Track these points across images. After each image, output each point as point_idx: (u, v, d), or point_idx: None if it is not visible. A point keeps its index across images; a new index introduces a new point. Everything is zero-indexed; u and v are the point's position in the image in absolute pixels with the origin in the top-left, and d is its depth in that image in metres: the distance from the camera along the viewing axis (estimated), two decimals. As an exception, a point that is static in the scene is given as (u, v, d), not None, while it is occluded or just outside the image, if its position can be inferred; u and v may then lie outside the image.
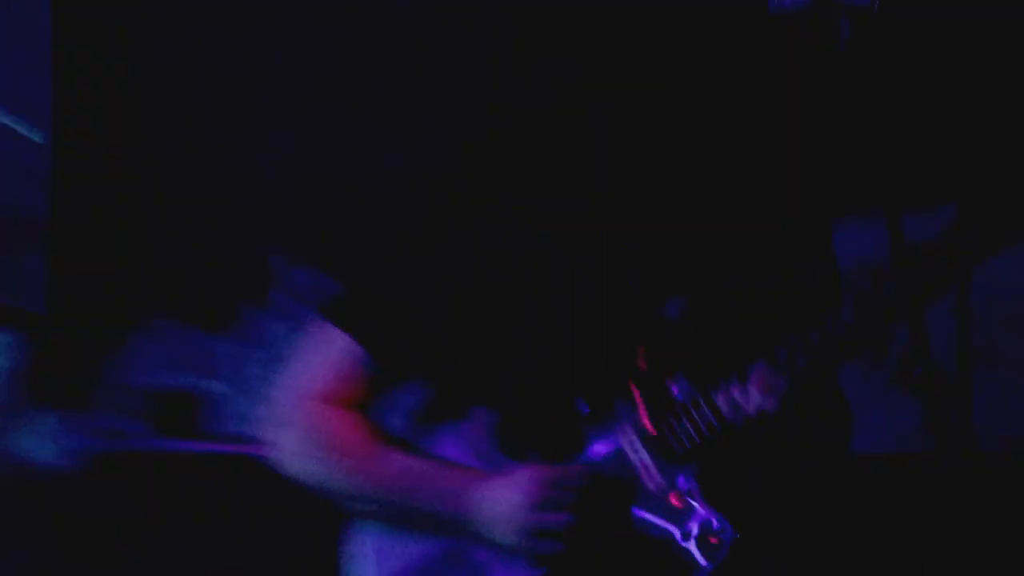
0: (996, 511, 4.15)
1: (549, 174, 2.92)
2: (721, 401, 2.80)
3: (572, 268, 2.91)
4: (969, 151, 4.01)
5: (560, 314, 2.91)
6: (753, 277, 2.96)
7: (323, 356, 2.97)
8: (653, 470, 2.85)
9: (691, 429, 2.83)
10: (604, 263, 2.92)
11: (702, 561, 2.79)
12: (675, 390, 2.86)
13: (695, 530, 2.81)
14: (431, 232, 2.96)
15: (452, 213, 2.96)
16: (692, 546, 2.81)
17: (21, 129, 4.46)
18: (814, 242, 3.07)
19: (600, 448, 2.90)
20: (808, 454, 3.00)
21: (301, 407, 2.96)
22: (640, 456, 2.86)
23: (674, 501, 2.84)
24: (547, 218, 2.91)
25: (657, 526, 2.84)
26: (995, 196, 2.68)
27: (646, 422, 2.86)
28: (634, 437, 2.87)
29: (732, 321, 2.90)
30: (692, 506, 2.83)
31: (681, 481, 2.84)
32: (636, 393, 2.88)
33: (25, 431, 4.48)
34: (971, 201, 2.72)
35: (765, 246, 2.98)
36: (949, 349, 4.18)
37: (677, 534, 2.82)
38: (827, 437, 3.03)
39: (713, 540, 2.80)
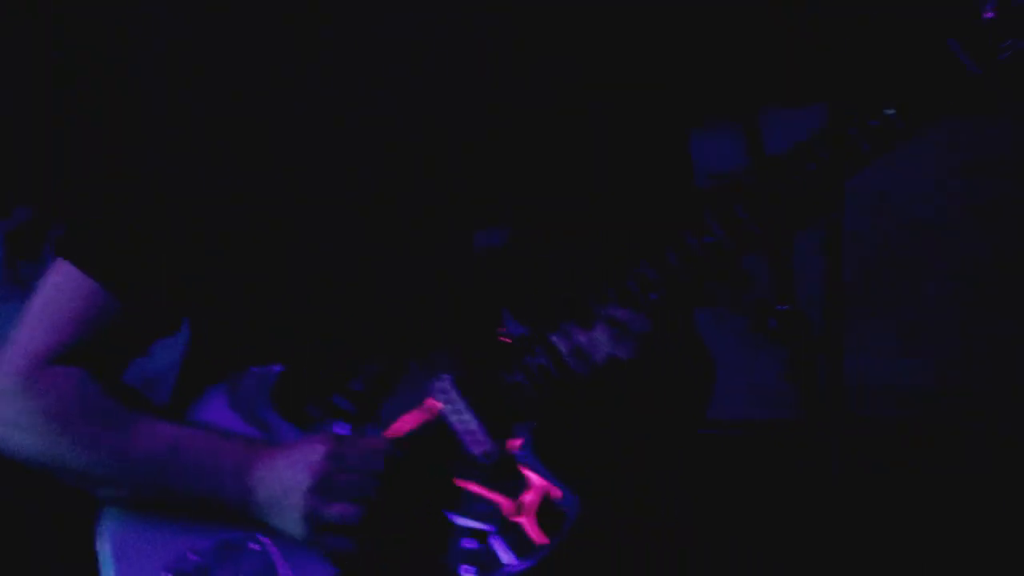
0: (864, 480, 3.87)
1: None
2: (562, 346, 2.29)
3: (362, 191, 2.38)
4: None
5: (351, 247, 2.38)
6: (592, 195, 2.46)
7: (58, 303, 2.40)
8: (479, 433, 2.32)
9: (525, 381, 2.32)
10: (402, 183, 2.39)
11: (539, 538, 2.29)
12: (505, 336, 2.35)
13: (532, 502, 2.30)
14: (182, 158, 2.40)
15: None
16: (527, 521, 2.30)
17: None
18: (667, 153, 2.58)
19: (410, 410, 2.36)
20: (664, 411, 2.51)
21: (25, 367, 2.38)
22: (462, 417, 2.33)
23: (505, 469, 2.31)
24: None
25: (484, 500, 2.32)
26: (867, 100, 2.26)
27: (469, 375, 2.34)
28: (454, 394, 2.34)
29: (570, 249, 2.40)
30: (527, 475, 2.31)
31: (514, 445, 2.32)
32: (455, 341, 2.36)
33: None
34: (842, 107, 2.26)
35: (609, 157, 2.49)
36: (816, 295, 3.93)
37: (509, 508, 2.31)
38: (686, 392, 2.54)
39: (553, 513, 2.30)
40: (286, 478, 2.30)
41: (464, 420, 2.32)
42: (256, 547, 2.35)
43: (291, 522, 2.31)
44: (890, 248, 4.22)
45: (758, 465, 4.03)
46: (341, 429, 2.35)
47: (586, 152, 2.45)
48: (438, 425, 2.33)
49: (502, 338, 2.34)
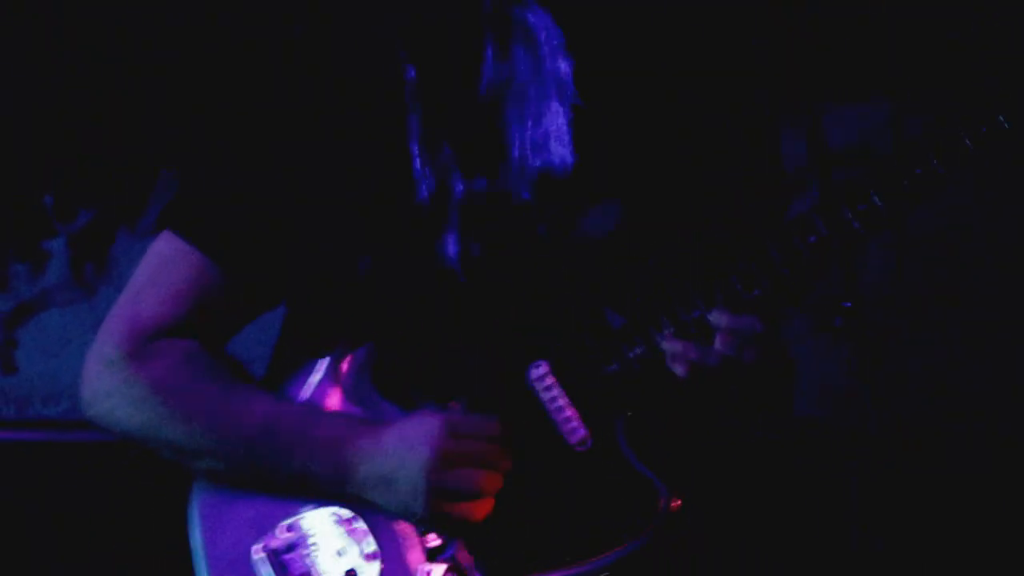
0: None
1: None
2: (667, 347, 2.26)
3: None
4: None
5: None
6: (697, 188, 2.44)
7: (165, 275, 2.39)
8: (575, 421, 2.31)
9: (622, 372, 2.30)
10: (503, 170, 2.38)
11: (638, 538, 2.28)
12: (611, 319, 2.35)
13: (621, 497, 2.29)
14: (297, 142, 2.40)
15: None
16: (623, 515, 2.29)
17: None
18: (760, 151, 2.58)
19: (508, 394, 2.34)
20: (752, 413, 2.48)
21: (132, 338, 2.38)
22: (558, 404, 2.32)
23: (599, 459, 2.31)
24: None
25: (574, 491, 2.31)
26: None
27: (567, 361, 2.32)
28: (552, 380, 2.32)
29: (674, 242, 2.37)
30: (625, 465, 2.30)
31: (615, 434, 2.31)
32: (553, 327, 2.35)
33: None
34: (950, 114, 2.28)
35: (711, 153, 2.48)
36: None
37: (604, 502, 2.30)
38: (772, 394, 2.47)
39: (649, 505, 2.28)
40: (401, 453, 2.27)
41: (560, 407, 2.31)
42: (347, 526, 2.33)
43: (407, 496, 2.27)
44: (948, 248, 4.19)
45: (818, 463, 4.00)
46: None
47: (689, 142, 2.44)
48: (534, 411, 2.31)
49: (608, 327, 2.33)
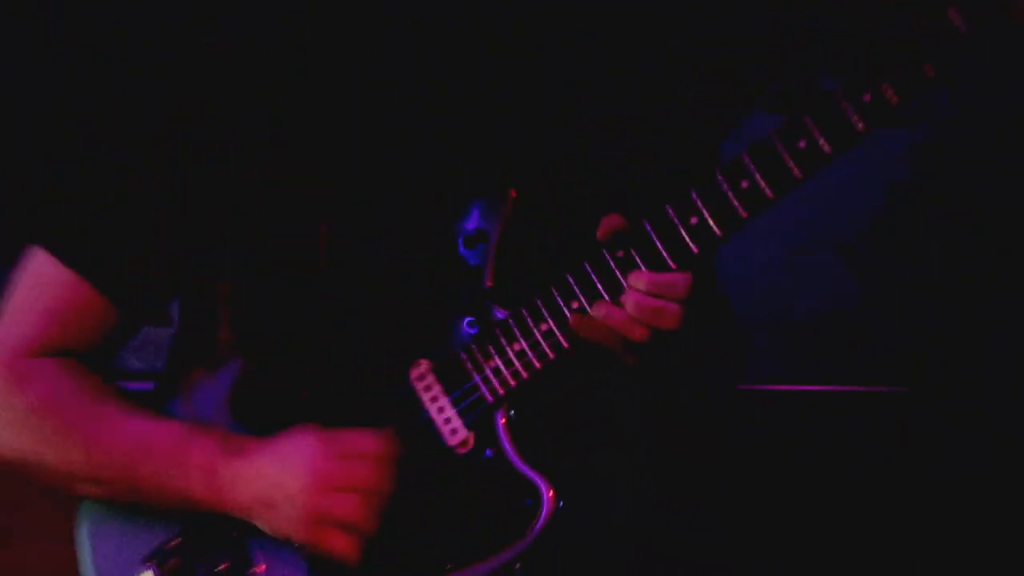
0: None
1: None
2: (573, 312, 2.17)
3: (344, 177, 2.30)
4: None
5: (334, 237, 2.30)
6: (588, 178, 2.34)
7: (39, 297, 2.36)
8: (456, 422, 2.23)
9: (503, 367, 2.21)
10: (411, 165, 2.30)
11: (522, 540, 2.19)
12: (495, 313, 2.24)
13: (504, 498, 2.21)
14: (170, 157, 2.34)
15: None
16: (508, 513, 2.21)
17: None
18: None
19: (390, 395, 2.27)
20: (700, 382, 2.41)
21: (8, 361, 2.34)
22: (439, 403, 2.24)
23: (481, 461, 2.22)
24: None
25: (457, 494, 2.24)
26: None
27: (447, 360, 2.25)
28: (431, 379, 2.25)
29: (556, 236, 2.28)
30: (507, 466, 2.22)
31: (497, 434, 2.23)
32: (431, 327, 2.27)
33: None
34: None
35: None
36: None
37: (488, 503, 2.22)
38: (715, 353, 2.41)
39: (528, 504, 2.20)
40: (278, 476, 2.20)
41: (441, 407, 2.22)
42: (233, 535, 2.26)
43: (286, 520, 2.20)
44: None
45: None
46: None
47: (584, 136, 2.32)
48: (415, 412, 2.23)
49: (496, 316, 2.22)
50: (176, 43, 2.39)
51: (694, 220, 2.09)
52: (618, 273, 2.12)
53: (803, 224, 4.04)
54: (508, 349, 2.19)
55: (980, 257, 4.07)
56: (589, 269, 2.14)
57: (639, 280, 2.10)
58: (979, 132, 3.85)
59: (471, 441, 2.21)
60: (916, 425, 3.95)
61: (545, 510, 2.16)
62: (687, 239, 2.09)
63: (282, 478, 2.18)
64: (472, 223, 2.23)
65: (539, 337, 2.17)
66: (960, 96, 3.44)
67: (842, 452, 3.98)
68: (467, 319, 2.23)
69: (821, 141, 2.04)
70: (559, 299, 2.16)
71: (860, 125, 2.03)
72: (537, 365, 2.18)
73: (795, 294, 4.08)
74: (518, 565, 2.18)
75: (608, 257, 2.12)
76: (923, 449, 3.95)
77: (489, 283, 2.23)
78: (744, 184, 2.06)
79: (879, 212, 3.92)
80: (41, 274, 2.34)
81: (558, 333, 2.16)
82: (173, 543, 2.27)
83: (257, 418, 2.26)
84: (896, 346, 4.09)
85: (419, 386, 2.22)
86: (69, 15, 3.99)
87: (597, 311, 2.12)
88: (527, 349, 2.18)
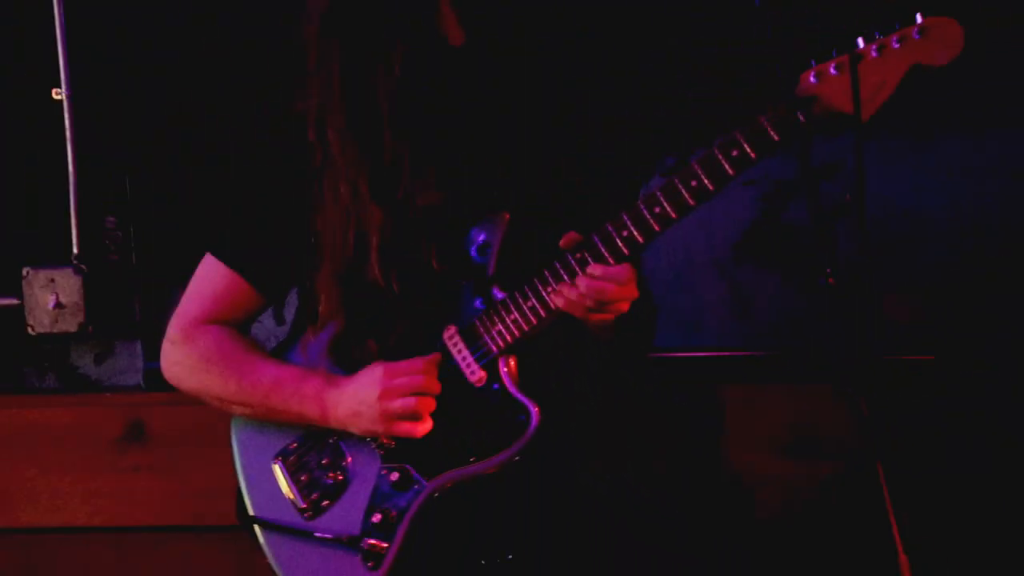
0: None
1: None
2: (551, 294, 3.12)
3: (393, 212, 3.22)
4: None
5: (392, 248, 3.22)
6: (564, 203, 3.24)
7: (206, 285, 3.39)
8: (474, 365, 3.20)
9: (506, 330, 3.17)
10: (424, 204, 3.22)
11: (519, 442, 3.14)
12: (497, 295, 3.18)
13: (506, 415, 3.17)
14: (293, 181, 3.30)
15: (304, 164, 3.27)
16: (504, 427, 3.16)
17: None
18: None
19: (430, 349, 3.24)
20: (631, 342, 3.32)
21: (187, 325, 3.39)
22: (462, 354, 3.21)
23: (491, 391, 3.20)
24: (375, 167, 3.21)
25: (476, 412, 3.20)
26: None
27: (467, 325, 3.21)
28: (458, 338, 3.21)
29: (544, 238, 3.17)
30: (507, 393, 3.18)
31: (500, 372, 3.19)
32: (458, 301, 3.23)
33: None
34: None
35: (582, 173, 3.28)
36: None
37: (495, 419, 3.18)
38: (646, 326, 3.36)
39: (522, 419, 3.15)
40: (359, 395, 3.20)
41: (464, 356, 3.20)
42: (331, 441, 3.31)
43: (368, 422, 3.20)
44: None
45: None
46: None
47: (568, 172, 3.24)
48: (447, 360, 3.21)
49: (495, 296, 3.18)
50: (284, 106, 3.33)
51: (625, 233, 3.05)
52: (577, 268, 3.07)
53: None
54: (506, 318, 3.16)
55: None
56: (558, 266, 3.10)
57: (596, 270, 3.04)
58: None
59: (484, 378, 3.19)
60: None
61: (534, 422, 3.13)
62: (620, 245, 3.06)
63: (363, 395, 3.19)
64: (481, 236, 3.17)
65: (526, 310, 3.13)
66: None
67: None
68: (479, 299, 3.19)
69: (705, 180, 3.01)
70: (539, 285, 3.12)
71: (731, 171, 3.00)
72: (525, 328, 3.14)
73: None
74: (517, 457, 3.13)
75: (570, 258, 3.09)
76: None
77: (494, 274, 3.18)
78: (656, 209, 3.03)
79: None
80: (209, 270, 3.38)
81: (539, 307, 3.12)
82: (292, 446, 3.32)
83: (346, 361, 3.26)
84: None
85: (449, 343, 3.21)
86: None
87: (562, 290, 3.08)
88: (519, 318, 3.14)
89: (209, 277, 3.39)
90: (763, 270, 4.83)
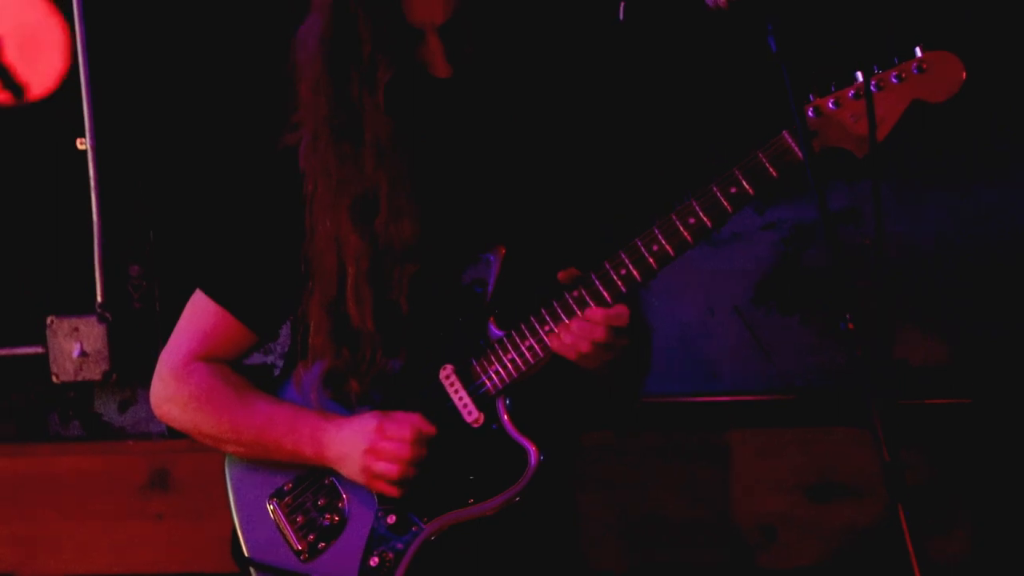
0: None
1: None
2: (546, 334, 3.11)
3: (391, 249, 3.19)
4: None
5: (388, 290, 3.20)
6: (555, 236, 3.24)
7: (196, 321, 3.35)
8: (471, 406, 3.17)
9: (502, 369, 3.14)
10: (422, 239, 3.19)
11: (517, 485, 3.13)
12: (494, 333, 3.16)
13: (504, 456, 3.15)
14: (283, 216, 3.27)
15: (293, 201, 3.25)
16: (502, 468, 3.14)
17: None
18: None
19: (426, 388, 3.22)
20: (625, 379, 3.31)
21: (178, 363, 3.34)
22: (459, 394, 3.18)
23: (489, 432, 3.17)
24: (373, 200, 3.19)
25: (473, 453, 3.17)
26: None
27: (464, 365, 3.18)
28: (454, 378, 3.18)
29: (541, 276, 3.15)
30: (505, 434, 3.16)
31: (499, 413, 3.17)
32: (455, 343, 3.20)
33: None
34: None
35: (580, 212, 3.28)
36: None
37: (493, 460, 3.16)
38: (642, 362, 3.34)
39: (521, 461, 3.13)
40: (349, 442, 3.16)
41: (460, 396, 3.16)
42: (327, 482, 3.26)
43: (352, 472, 3.18)
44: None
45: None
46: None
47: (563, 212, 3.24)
48: (443, 399, 3.17)
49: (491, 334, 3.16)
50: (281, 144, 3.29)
51: (623, 271, 3.03)
52: (575, 307, 3.05)
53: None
54: (503, 357, 3.13)
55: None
56: (556, 305, 3.08)
57: (594, 314, 3.02)
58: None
59: (481, 419, 3.15)
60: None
61: (533, 464, 3.10)
62: (618, 283, 3.04)
63: (352, 443, 3.15)
64: (479, 272, 3.15)
65: (524, 350, 3.11)
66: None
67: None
68: (476, 338, 3.15)
69: (704, 218, 3.00)
70: (536, 324, 3.10)
71: (729, 208, 3.00)
72: (523, 368, 3.11)
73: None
74: (517, 498, 3.09)
75: (568, 296, 3.06)
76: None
77: (490, 312, 3.15)
78: (655, 247, 3.02)
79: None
80: (198, 307, 3.34)
81: (536, 347, 3.10)
82: (288, 486, 3.27)
83: (339, 395, 3.21)
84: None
85: (445, 383, 3.17)
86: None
87: (559, 332, 3.06)
88: (516, 357, 3.12)
89: (198, 314, 3.34)
90: (783, 314, 4.77)
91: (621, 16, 3.99)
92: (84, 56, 4.97)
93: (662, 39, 4.60)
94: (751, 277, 4.85)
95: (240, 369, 3.38)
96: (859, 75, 2.95)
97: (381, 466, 3.14)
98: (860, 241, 3.80)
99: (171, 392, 3.34)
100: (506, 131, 3.22)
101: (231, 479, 3.36)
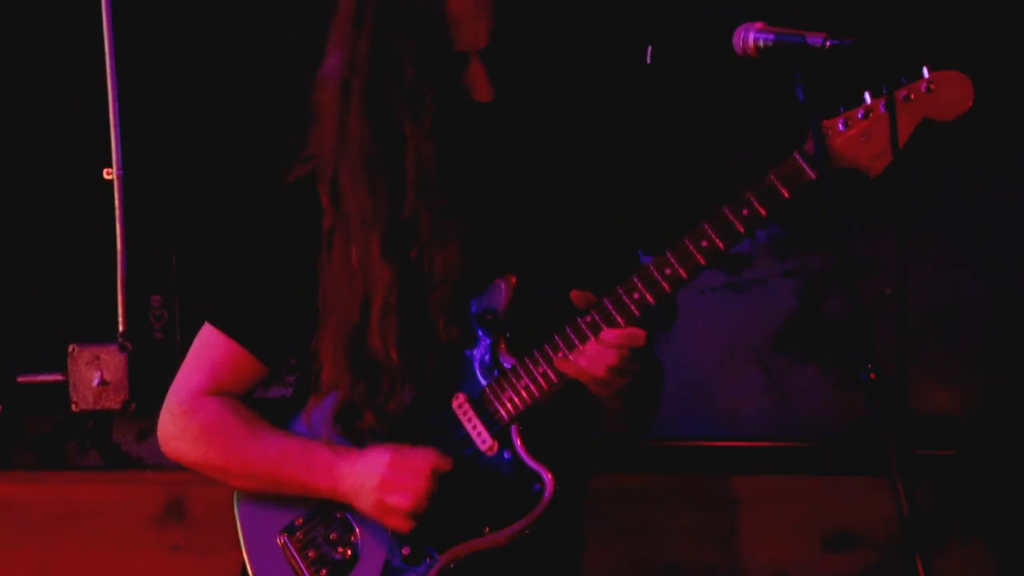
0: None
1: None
2: (559, 362, 3.07)
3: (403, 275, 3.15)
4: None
5: (401, 326, 3.16)
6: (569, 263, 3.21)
7: (205, 355, 3.30)
8: (484, 433, 3.13)
9: (515, 397, 3.11)
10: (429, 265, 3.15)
11: (532, 512, 3.10)
12: (506, 361, 3.13)
13: (520, 483, 3.11)
14: (295, 248, 3.23)
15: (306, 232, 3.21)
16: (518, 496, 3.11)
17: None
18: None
19: (439, 417, 3.18)
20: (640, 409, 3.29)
21: (187, 398, 3.29)
22: (473, 422, 3.15)
23: (502, 459, 3.14)
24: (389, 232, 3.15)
25: (488, 482, 3.14)
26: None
27: (476, 393, 3.15)
28: (467, 407, 3.15)
29: (550, 305, 3.13)
30: (520, 461, 3.12)
31: (512, 439, 3.13)
32: (466, 372, 3.17)
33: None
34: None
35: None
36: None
37: (509, 488, 3.12)
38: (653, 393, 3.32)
39: (536, 488, 3.10)
40: (364, 474, 3.12)
41: (474, 424, 3.13)
42: (339, 515, 3.21)
43: (365, 505, 3.13)
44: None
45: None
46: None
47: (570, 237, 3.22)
48: (457, 427, 3.14)
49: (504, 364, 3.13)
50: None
51: (636, 295, 3.01)
52: (588, 332, 3.02)
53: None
54: (517, 384, 3.09)
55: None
56: (569, 330, 3.04)
57: (609, 335, 2.99)
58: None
59: (495, 447, 3.11)
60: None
61: (548, 491, 3.07)
62: (631, 307, 3.01)
63: (365, 475, 3.11)
64: (490, 299, 3.12)
65: (537, 376, 3.07)
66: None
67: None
68: (488, 366, 3.12)
69: (716, 239, 2.97)
70: (549, 350, 3.07)
71: (741, 229, 2.97)
72: (536, 394, 3.08)
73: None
74: (533, 526, 3.06)
75: (580, 321, 3.03)
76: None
77: (501, 341, 3.13)
78: (667, 271, 2.99)
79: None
80: (207, 339, 3.28)
81: (549, 373, 3.06)
82: (299, 521, 3.22)
83: (351, 431, 3.16)
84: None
85: (459, 412, 3.14)
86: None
87: (573, 356, 3.02)
88: (529, 383, 3.08)
89: (207, 347, 3.29)
90: (803, 362, 4.76)
91: (648, 59, 3.96)
92: (114, 88, 5.01)
93: (687, 81, 4.61)
94: (772, 324, 4.84)
95: (253, 402, 3.33)
96: (867, 96, 2.94)
97: (394, 499, 3.10)
98: (881, 291, 3.77)
99: (181, 427, 3.28)
100: (537, 156, 3.21)
101: (240, 515, 3.32)
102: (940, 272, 4.68)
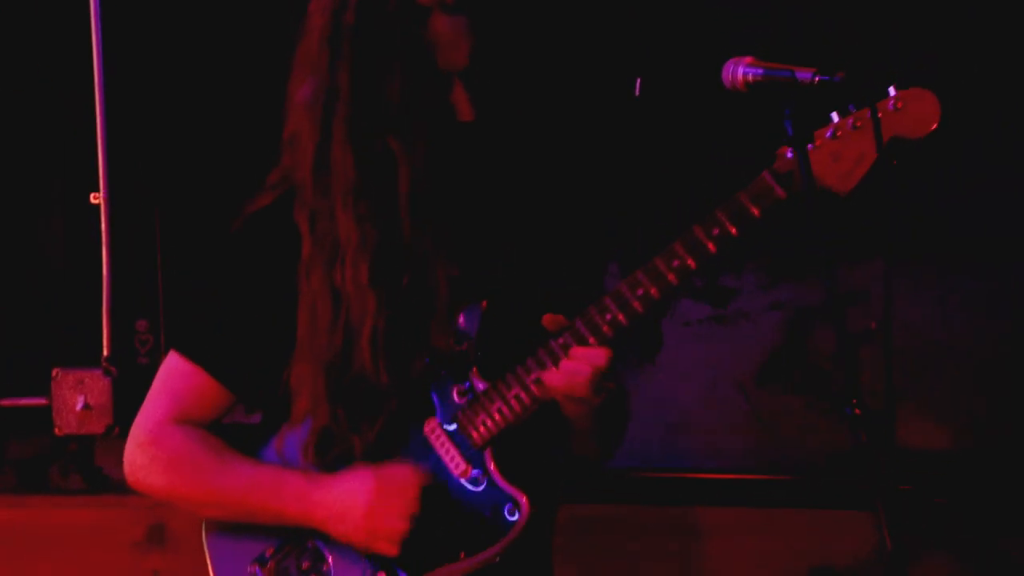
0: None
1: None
2: (531, 383, 3.04)
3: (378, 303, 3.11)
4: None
5: (370, 350, 3.11)
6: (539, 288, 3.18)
7: (172, 383, 3.25)
8: (458, 457, 3.10)
9: (488, 420, 3.08)
10: (406, 292, 3.12)
11: (507, 535, 3.06)
12: (478, 385, 3.10)
13: (494, 507, 3.08)
14: (267, 273, 3.19)
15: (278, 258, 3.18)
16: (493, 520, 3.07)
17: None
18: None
19: (412, 441, 3.13)
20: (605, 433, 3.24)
21: (153, 427, 3.23)
22: (445, 446, 3.11)
23: (476, 482, 3.10)
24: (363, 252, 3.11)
25: (462, 506, 3.10)
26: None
27: (449, 418, 3.11)
28: (439, 431, 3.11)
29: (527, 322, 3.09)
30: (494, 484, 3.08)
31: (486, 462, 3.09)
32: (438, 394, 3.13)
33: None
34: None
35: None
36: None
37: (483, 511, 3.09)
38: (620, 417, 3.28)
39: (510, 510, 3.06)
40: (346, 502, 3.07)
41: (447, 448, 3.09)
42: (310, 544, 3.15)
43: (348, 531, 3.07)
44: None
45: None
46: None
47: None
48: (429, 451, 3.10)
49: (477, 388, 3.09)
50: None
51: (608, 316, 2.97)
52: (560, 353, 2.99)
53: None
54: (490, 407, 3.05)
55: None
56: (541, 352, 3.01)
57: (577, 352, 2.96)
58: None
59: (469, 471, 3.07)
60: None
61: (524, 513, 3.03)
62: (604, 328, 2.98)
63: (349, 503, 3.05)
64: (458, 324, 3.08)
65: (510, 399, 3.03)
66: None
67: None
68: (460, 390, 3.08)
69: (688, 260, 2.94)
70: (522, 373, 3.03)
71: (713, 249, 2.93)
72: (510, 417, 3.04)
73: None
74: (509, 548, 3.02)
75: (552, 343, 3.00)
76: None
77: (473, 365, 3.09)
78: (639, 291, 2.96)
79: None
80: (173, 367, 3.23)
81: (522, 395, 3.03)
82: (269, 551, 3.16)
83: (326, 459, 3.10)
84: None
85: (431, 436, 3.09)
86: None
87: (545, 377, 2.99)
88: (503, 406, 3.04)
89: (172, 375, 3.23)
90: (787, 394, 4.74)
91: (637, 92, 3.95)
92: (102, 114, 5.01)
93: (674, 114, 4.59)
94: (756, 357, 4.82)
95: (219, 431, 3.27)
96: (835, 116, 2.92)
97: (388, 524, 3.06)
98: (866, 325, 3.75)
99: (149, 456, 3.22)
100: (512, 178, 3.20)
101: (209, 546, 3.26)
102: (927, 305, 4.67)
